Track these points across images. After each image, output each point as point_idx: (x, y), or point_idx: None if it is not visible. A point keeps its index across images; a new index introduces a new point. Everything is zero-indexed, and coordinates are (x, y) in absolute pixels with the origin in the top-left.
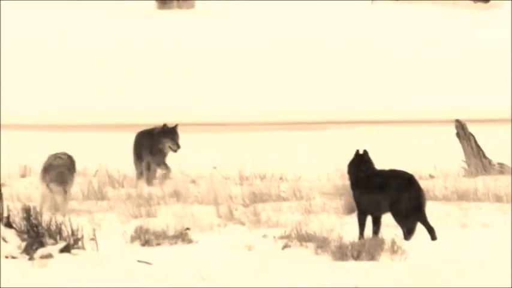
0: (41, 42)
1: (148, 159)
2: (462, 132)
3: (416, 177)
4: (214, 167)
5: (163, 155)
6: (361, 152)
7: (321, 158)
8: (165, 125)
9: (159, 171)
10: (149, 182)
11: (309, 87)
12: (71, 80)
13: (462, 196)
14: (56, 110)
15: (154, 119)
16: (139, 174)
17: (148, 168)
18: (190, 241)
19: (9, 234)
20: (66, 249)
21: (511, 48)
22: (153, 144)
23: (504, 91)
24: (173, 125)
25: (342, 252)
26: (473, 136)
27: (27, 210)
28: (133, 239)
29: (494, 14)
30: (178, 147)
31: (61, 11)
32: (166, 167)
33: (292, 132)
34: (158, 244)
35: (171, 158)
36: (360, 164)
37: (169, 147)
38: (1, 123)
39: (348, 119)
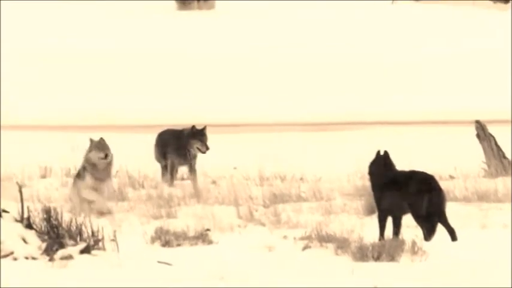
0: (60, 44)
1: (173, 160)
2: (482, 133)
3: (437, 177)
4: (235, 168)
5: (191, 156)
6: (382, 153)
7: (341, 158)
8: (193, 127)
9: (179, 173)
10: (171, 183)
11: (330, 88)
12: (91, 81)
13: (482, 197)
14: (76, 111)
15: (175, 120)
16: (164, 174)
17: (172, 169)
18: (210, 242)
19: (30, 235)
20: (86, 250)
21: None
22: (181, 145)
23: None
24: (202, 127)
25: (362, 253)
26: (493, 137)
27: (47, 211)
28: (153, 240)
29: None
30: (207, 148)
31: (73, 11)
32: (193, 169)
33: (312, 133)
34: (178, 245)
35: None
36: (381, 165)
37: (198, 148)
38: (19, 124)
39: (369, 120)
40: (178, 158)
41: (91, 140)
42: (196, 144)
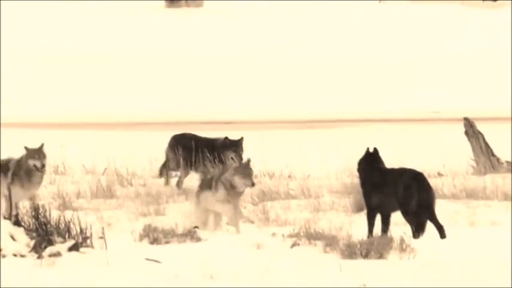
0: (50, 43)
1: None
2: (471, 130)
3: (425, 175)
4: None
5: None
6: (371, 150)
7: (329, 156)
8: (226, 138)
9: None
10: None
11: (318, 86)
12: (80, 79)
13: (471, 194)
14: (64, 109)
15: (163, 118)
16: (167, 176)
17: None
18: (199, 239)
19: (18, 232)
20: (74, 248)
21: None
22: (214, 155)
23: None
24: (238, 138)
25: (351, 251)
26: (481, 134)
27: (36, 209)
28: (142, 237)
29: (504, 12)
30: (241, 159)
31: (66, 11)
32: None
33: (301, 130)
34: (167, 242)
35: None
36: (370, 162)
37: (232, 159)
38: (10, 121)
39: (358, 117)
40: (208, 167)
41: (235, 159)
42: (231, 155)
